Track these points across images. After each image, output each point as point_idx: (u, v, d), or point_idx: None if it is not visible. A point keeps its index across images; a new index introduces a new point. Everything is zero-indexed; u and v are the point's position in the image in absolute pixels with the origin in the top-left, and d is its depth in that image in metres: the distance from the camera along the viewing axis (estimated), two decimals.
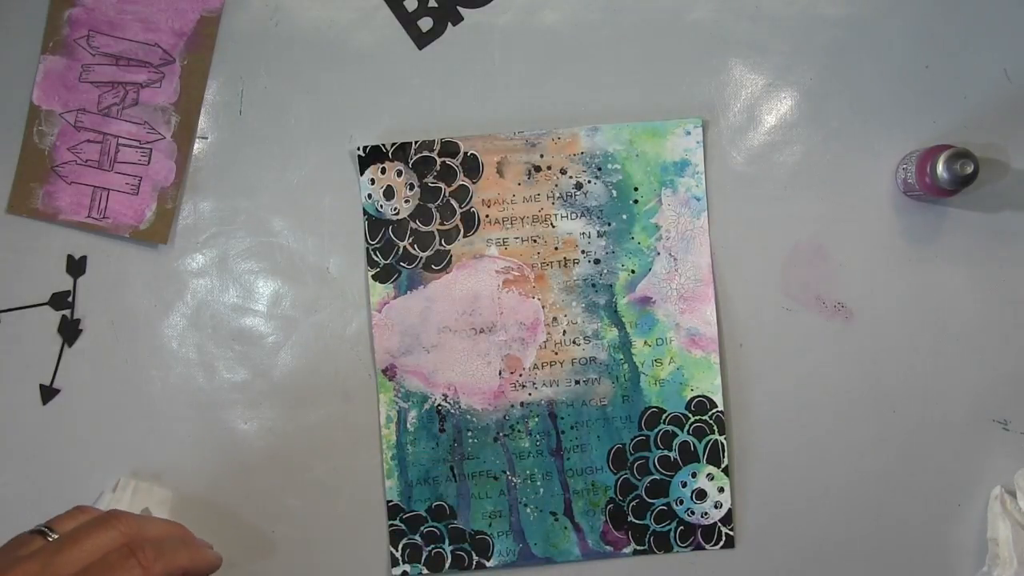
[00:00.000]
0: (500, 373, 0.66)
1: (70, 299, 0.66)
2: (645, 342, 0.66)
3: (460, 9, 0.67)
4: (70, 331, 0.66)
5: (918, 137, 0.66)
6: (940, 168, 0.61)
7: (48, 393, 0.66)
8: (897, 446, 0.66)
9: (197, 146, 0.67)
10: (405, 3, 0.67)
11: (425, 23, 0.67)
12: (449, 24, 0.67)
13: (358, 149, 0.66)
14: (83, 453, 0.66)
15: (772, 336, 0.66)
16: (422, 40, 0.67)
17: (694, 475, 0.66)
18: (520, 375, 0.66)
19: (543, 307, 0.66)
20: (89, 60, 0.66)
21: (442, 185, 0.66)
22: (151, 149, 0.66)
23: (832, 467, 0.66)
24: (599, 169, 0.66)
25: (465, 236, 0.66)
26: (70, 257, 0.66)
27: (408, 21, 0.67)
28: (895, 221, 0.66)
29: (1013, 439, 0.66)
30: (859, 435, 0.66)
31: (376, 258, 0.66)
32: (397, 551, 0.66)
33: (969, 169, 0.60)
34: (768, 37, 0.67)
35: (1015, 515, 0.64)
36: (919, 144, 0.65)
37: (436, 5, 0.67)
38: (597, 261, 0.66)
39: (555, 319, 0.66)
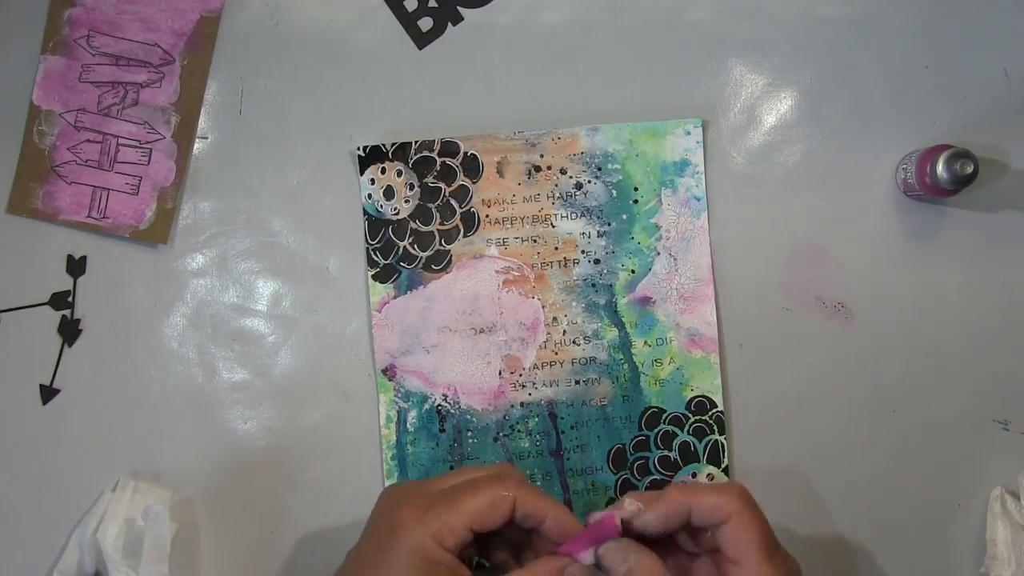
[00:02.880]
0: (500, 373, 0.66)
1: (70, 299, 0.66)
2: (645, 342, 0.66)
3: (460, 9, 0.67)
4: (70, 331, 0.66)
5: (918, 137, 0.66)
6: (940, 168, 0.61)
7: (48, 393, 0.66)
8: (897, 446, 0.66)
9: (197, 146, 0.67)
10: (405, 3, 0.67)
11: (425, 23, 0.67)
12: (449, 24, 0.67)
13: (358, 149, 0.66)
14: (83, 453, 0.66)
15: (772, 336, 0.66)
16: (422, 40, 0.67)
17: (694, 475, 0.66)
18: (520, 375, 0.66)
19: (543, 307, 0.66)
20: (89, 60, 0.66)
21: (442, 185, 0.66)
22: (151, 149, 0.66)
23: (832, 467, 0.66)
24: (599, 169, 0.66)
25: (465, 236, 0.66)
26: (70, 257, 0.66)
27: (408, 21, 0.67)
28: (895, 221, 0.66)
29: (1013, 439, 0.66)
30: (859, 435, 0.66)
31: (376, 258, 0.66)
32: None
33: (969, 169, 0.60)
34: (768, 37, 0.67)
35: (1015, 516, 0.64)
36: (919, 144, 0.65)
37: (436, 5, 0.67)
38: (597, 261, 0.66)
39: (555, 319, 0.66)
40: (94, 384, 0.66)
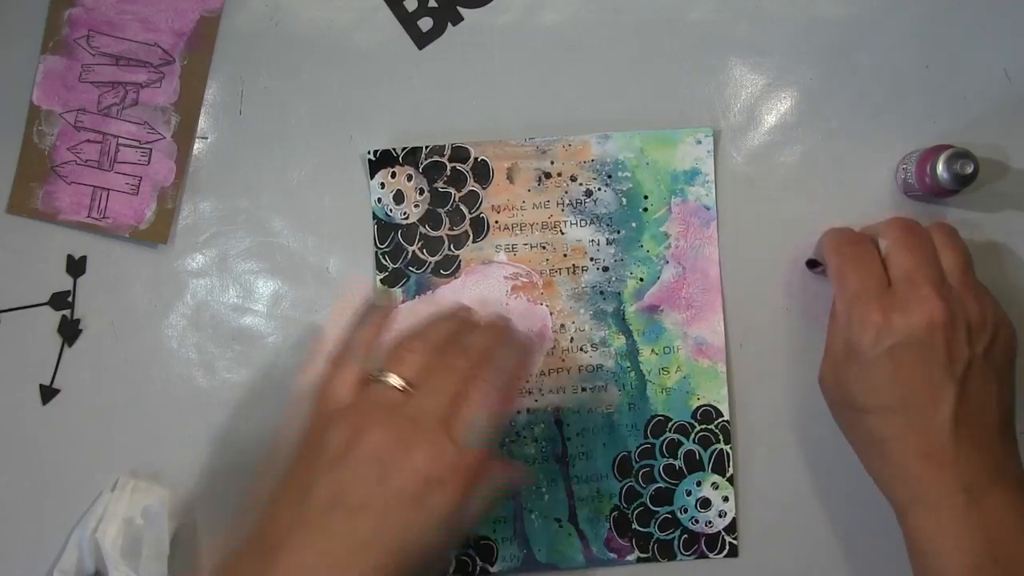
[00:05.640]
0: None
1: (70, 299, 0.66)
2: (652, 350, 0.66)
3: (460, 9, 0.67)
4: (70, 331, 0.66)
5: (918, 137, 0.66)
6: (940, 168, 0.61)
7: (48, 393, 0.66)
8: None
9: (197, 146, 0.67)
10: (405, 3, 0.67)
11: (425, 23, 0.67)
12: (449, 24, 0.67)
13: (368, 153, 0.66)
14: (83, 453, 0.65)
15: (771, 336, 0.66)
16: (422, 40, 0.67)
17: (699, 484, 0.66)
18: (526, 381, 0.66)
19: (551, 313, 0.66)
20: (89, 60, 0.66)
21: (452, 190, 0.66)
22: (151, 149, 0.66)
23: (832, 468, 0.66)
24: (609, 176, 0.66)
25: (474, 241, 0.66)
26: (70, 257, 0.66)
27: (408, 21, 0.67)
28: None
29: None
30: None
31: (385, 262, 0.66)
32: None
33: (969, 169, 0.60)
34: (768, 37, 0.67)
35: None
36: (919, 144, 0.65)
37: (436, 5, 0.67)
38: (606, 269, 0.66)
39: (563, 326, 0.66)
40: (94, 384, 0.66)
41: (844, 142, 0.66)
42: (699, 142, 0.66)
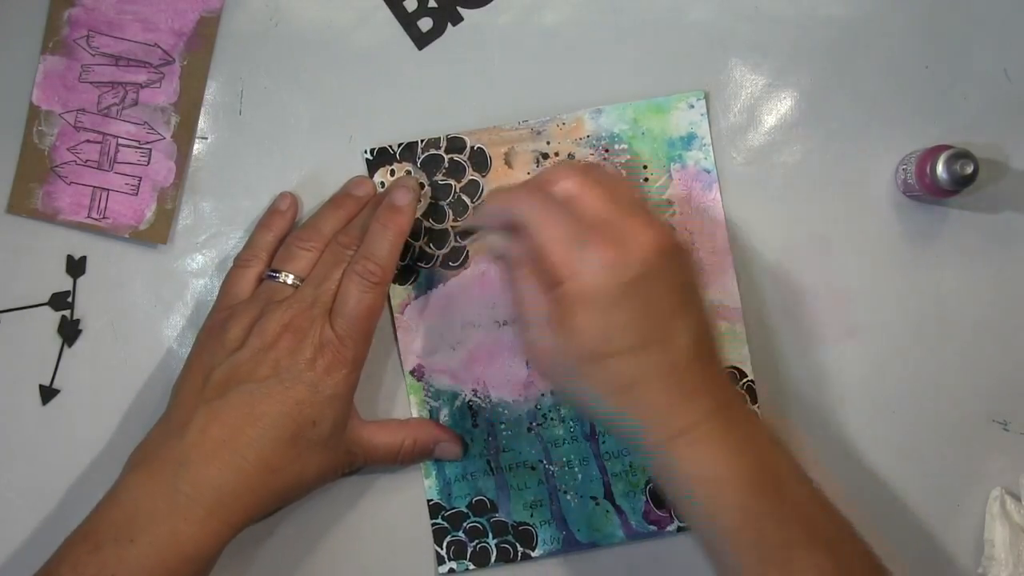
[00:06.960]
0: (527, 363, 0.66)
1: (70, 299, 0.66)
2: None
3: (460, 9, 0.67)
4: (70, 331, 0.66)
5: (918, 137, 0.66)
6: (940, 168, 0.61)
7: (48, 393, 0.66)
8: (896, 446, 0.66)
9: (197, 146, 0.67)
10: (405, 3, 0.67)
11: (425, 23, 0.67)
12: (449, 24, 0.67)
13: (365, 152, 0.66)
14: (83, 453, 0.65)
15: (769, 337, 0.66)
16: (422, 40, 0.67)
17: None
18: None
19: None
20: (89, 60, 0.66)
21: (452, 182, 0.66)
22: (151, 149, 0.66)
23: (830, 466, 0.66)
24: (607, 151, 0.66)
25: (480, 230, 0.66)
26: (70, 257, 0.66)
27: (408, 21, 0.67)
28: (895, 221, 0.66)
29: (1013, 439, 0.66)
30: (858, 435, 0.66)
31: None
32: (442, 549, 0.65)
33: (969, 169, 0.60)
34: (768, 37, 0.67)
35: (1015, 516, 0.64)
36: (919, 144, 0.65)
37: (436, 5, 0.67)
38: None
39: None
40: (94, 384, 0.66)
41: (844, 142, 0.66)
42: (691, 106, 0.66)
